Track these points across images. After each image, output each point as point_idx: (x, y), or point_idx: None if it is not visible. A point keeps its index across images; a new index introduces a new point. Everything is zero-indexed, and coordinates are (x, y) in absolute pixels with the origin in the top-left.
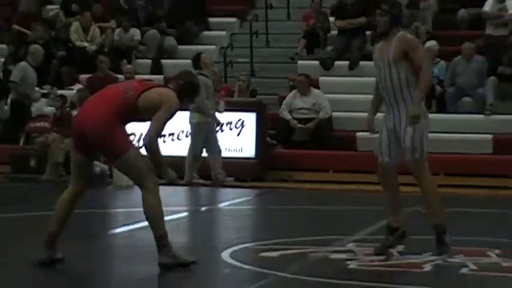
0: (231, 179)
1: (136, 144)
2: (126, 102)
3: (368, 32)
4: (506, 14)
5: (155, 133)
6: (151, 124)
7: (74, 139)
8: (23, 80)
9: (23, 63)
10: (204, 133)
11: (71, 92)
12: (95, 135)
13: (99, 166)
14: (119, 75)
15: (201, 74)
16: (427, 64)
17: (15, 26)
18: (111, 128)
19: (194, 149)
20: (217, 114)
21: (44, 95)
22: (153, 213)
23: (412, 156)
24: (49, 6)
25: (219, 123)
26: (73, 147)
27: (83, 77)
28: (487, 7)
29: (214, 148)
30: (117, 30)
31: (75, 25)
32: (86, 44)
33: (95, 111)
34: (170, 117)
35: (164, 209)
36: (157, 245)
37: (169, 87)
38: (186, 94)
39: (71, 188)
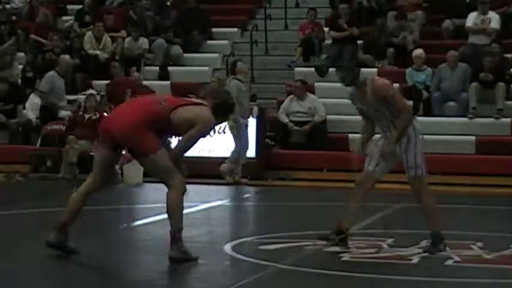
0: (245, 180)
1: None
2: (158, 112)
3: (359, 41)
4: (488, 27)
5: (181, 150)
6: (181, 140)
7: (102, 137)
8: (51, 90)
9: (51, 73)
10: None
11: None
12: (126, 133)
13: None
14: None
15: (236, 79)
16: (405, 112)
17: (33, 36)
18: (142, 129)
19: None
20: (250, 118)
21: (69, 102)
22: (173, 209)
23: (414, 174)
24: (64, 17)
25: (247, 126)
26: (100, 144)
27: (96, 82)
28: (470, 22)
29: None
30: (127, 39)
31: (88, 35)
32: (98, 52)
33: (128, 114)
34: (202, 137)
35: None
36: (171, 239)
37: (204, 105)
38: (222, 113)
39: (88, 182)
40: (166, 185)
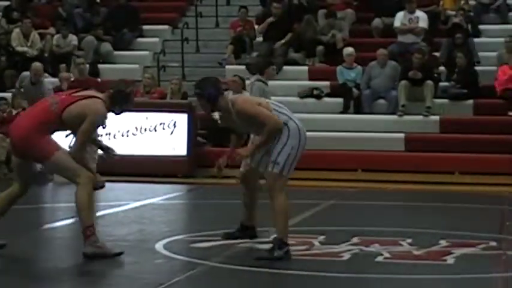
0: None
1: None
2: (51, 115)
3: (290, 39)
4: (416, 27)
5: (79, 146)
6: (77, 136)
7: (10, 144)
8: None
9: None
10: None
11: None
12: (20, 145)
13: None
14: (54, 79)
15: (260, 80)
16: (269, 127)
17: None
18: (34, 137)
19: None
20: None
21: None
22: (81, 207)
23: (271, 170)
24: None
25: None
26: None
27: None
28: (398, 22)
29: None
30: (56, 37)
31: (16, 31)
32: (26, 49)
33: (21, 123)
34: (96, 128)
35: (101, 203)
36: (83, 236)
37: (97, 97)
38: (117, 102)
39: (12, 187)
40: (73, 182)
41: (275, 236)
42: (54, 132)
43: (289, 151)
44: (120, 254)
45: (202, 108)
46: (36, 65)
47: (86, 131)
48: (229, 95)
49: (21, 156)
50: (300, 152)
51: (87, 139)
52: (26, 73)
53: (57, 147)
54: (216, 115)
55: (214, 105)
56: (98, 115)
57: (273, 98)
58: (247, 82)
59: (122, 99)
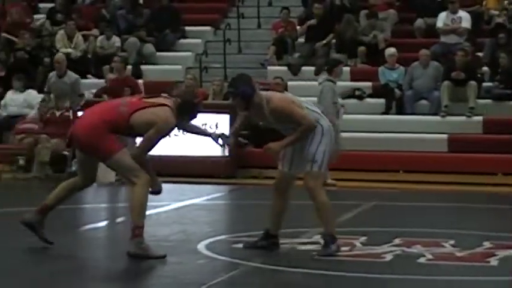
0: (334, 182)
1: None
2: (117, 117)
3: (333, 41)
4: (459, 27)
5: (142, 151)
6: (142, 141)
7: (68, 140)
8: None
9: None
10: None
11: None
12: (84, 142)
13: None
14: (98, 80)
15: (329, 80)
16: (304, 127)
17: (4, 34)
18: (98, 135)
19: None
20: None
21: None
22: (135, 205)
23: (310, 168)
24: (36, 16)
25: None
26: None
27: None
28: (440, 22)
29: (334, 151)
30: (100, 38)
31: (60, 33)
32: (70, 50)
33: (86, 120)
34: (162, 137)
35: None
36: (131, 235)
37: (167, 105)
38: (184, 112)
39: (76, 178)
40: (129, 182)
41: (324, 232)
42: (118, 133)
43: (324, 149)
44: (163, 257)
45: (237, 107)
46: (59, 55)
47: (152, 138)
48: (264, 92)
49: (85, 152)
50: (331, 150)
51: (152, 146)
52: (52, 73)
53: (119, 146)
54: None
55: (249, 102)
56: (166, 124)
57: (315, 99)
58: (290, 83)
59: (189, 110)
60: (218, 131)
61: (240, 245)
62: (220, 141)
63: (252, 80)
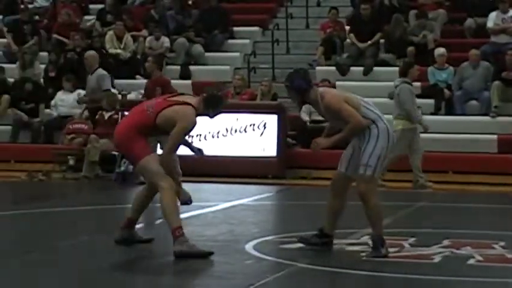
0: (430, 184)
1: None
2: (146, 119)
3: (381, 40)
4: (510, 27)
5: (169, 150)
6: (168, 141)
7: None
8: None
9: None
10: (408, 140)
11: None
12: (119, 145)
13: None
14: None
15: (406, 82)
16: (351, 125)
17: (55, 35)
18: (129, 139)
19: (393, 152)
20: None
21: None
22: (165, 211)
23: (363, 172)
24: (86, 17)
25: (426, 129)
26: None
27: (117, 82)
28: (491, 22)
29: (417, 152)
30: (149, 39)
31: (110, 34)
32: (119, 51)
33: (121, 125)
34: (185, 134)
35: (192, 204)
36: (173, 238)
37: (189, 104)
38: (210, 106)
39: (145, 185)
40: (156, 187)
41: (374, 235)
42: (149, 135)
43: (379, 153)
44: (210, 254)
45: (293, 100)
46: (89, 53)
47: (175, 137)
48: (321, 88)
49: (118, 150)
50: (387, 153)
51: (177, 144)
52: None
53: (148, 151)
54: (306, 116)
55: (304, 96)
56: (187, 122)
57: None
58: (338, 84)
59: (215, 103)
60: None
61: (288, 246)
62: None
63: (308, 75)
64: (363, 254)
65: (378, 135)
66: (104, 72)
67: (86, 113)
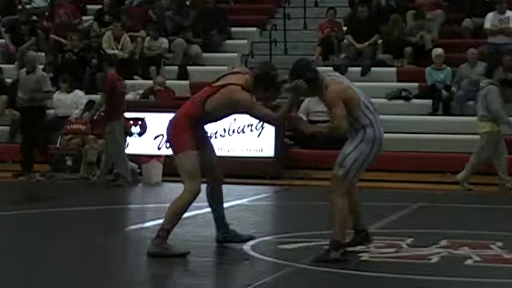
0: (471, 186)
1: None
2: (194, 108)
3: (379, 41)
4: (507, 27)
5: (264, 113)
6: (261, 116)
7: None
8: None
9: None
10: (495, 142)
11: None
12: (168, 136)
13: (130, 165)
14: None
15: (493, 84)
16: (334, 125)
17: (53, 36)
18: (176, 129)
19: (481, 156)
20: None
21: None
22: (174, 208)
23: (336, 171)
24: (84, 17)
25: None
26: None
27: None
28: (488, 23)
29: (503, 155)
30: (147, 39)
31: (107, 34)
32: (116, 51)
33: (174, 116)
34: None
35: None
36: (156, 234)
37: (233, 84)
38: (262, 84)
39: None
40: (183, 184)
41: (330, 238)
42: (199, 123)
43: (356, 156)
44: (186, 254)
45: (302, 93)
46: (31, 53)
47: (253, 106)
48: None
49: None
50: (369, 160)
51: (262, 113)
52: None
53: (190, 146)
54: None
55: (315, 85)
56: (242, 94)
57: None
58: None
59: (266, 82)
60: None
61: (285, 246)
62: None
63: (312, 64)
64: (360, 254)
65: (362, 140)
66: (44, 73)
67: (87, 113)
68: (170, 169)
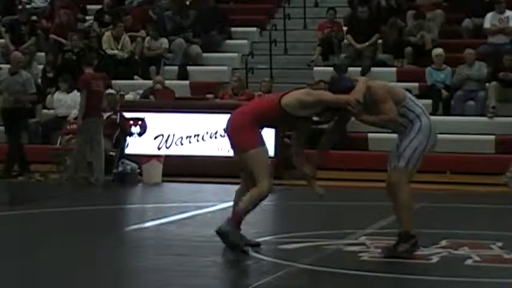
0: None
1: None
2: (267, 105)
3: (379, 41)
4: (506, 27)
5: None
6: (333, 103)
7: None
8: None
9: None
10: None
11: None
12: (230, 131)
13: (130, 165)
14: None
15: None
16: (385, 117)
17: (53, 36)
18: (245, 125)
19: None
20: None
21: None
22: (246, 203)
23: (397, 163)
24: (84, 17)
25: None
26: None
27: (115, 82)
28: (487, 23)
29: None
30: (147, 39)
31: (107, 35)
32: (116, 51)
33: (237, 112)
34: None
35: (190, 204)
36: (229, 218)
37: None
38: (334, 87)
39: (242, 183)
40: (255, 181)
41: (401, 229)
42: (267, 122)
43: (416, 145)
44: (246, 252)
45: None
46: (16, 54)
47: (332, 100)
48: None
49: (229, 138)
50: (426, 150)
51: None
52: (5, 66)
53: (261, 142)
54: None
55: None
56: (324, 94)
57: None
58: None
59: (338, 83)
60: None
61: (286, 246)
62: None
63: (348, 78)
64: (360, 254)
65: (419, 130)
66: (29, 74)
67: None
68: (170, 169)
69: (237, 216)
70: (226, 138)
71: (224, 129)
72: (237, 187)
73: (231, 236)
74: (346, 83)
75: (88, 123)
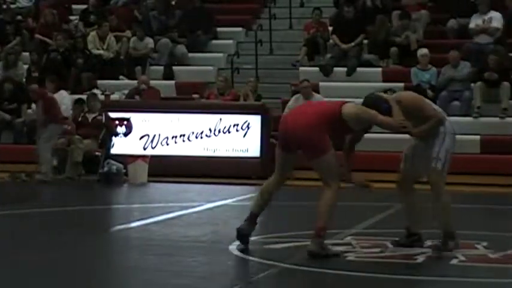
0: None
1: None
2: (331, 110)
3: (364, 41)
4: (489, 27)
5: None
6: (386, 125)
7: (280, 140)
8: None
9: None
10: None
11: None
12: (301, 136)
13: (115, 165)
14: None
15: None
16: (434, 121)
17: (38, 36)
18: (320, 130)
19: None
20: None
21: (76, 102)
22: (325, 207)
23: (434, 165)
24: (69, 17)
25: None
26: (279, 147)
27: (100, 82)
28: (473, 23)
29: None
30: (133, 39)
31: (92, 34)
32: (102, 51)
33: (307, 115)
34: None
35: (176, 204)
36: (313, 235)
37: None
38: (372, 106)
39: (270, 179)
40: (325, 183)
41: (443, 230)
42: (331, 131)
43: (447, 148)
44: (338, 255)
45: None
46: None
47: (386, 122)
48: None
49: (294, 147)
50: (452, 152)
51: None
52: None
53: (331, 147)
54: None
55: (389, 115)
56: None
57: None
58: (322, 84)
59: (375, 103)
60: None
61: (272, 246)
62: None
63: (380, 97)
64: (346, 254)
65: (445, 134)
66: None
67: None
68: (155, 169)
69: (320, 231)
70: (286, 136)
71: (284, 129)
72: (221, 187)
73: (322, 253)
74: (383, 104)
75: (50, 129)
